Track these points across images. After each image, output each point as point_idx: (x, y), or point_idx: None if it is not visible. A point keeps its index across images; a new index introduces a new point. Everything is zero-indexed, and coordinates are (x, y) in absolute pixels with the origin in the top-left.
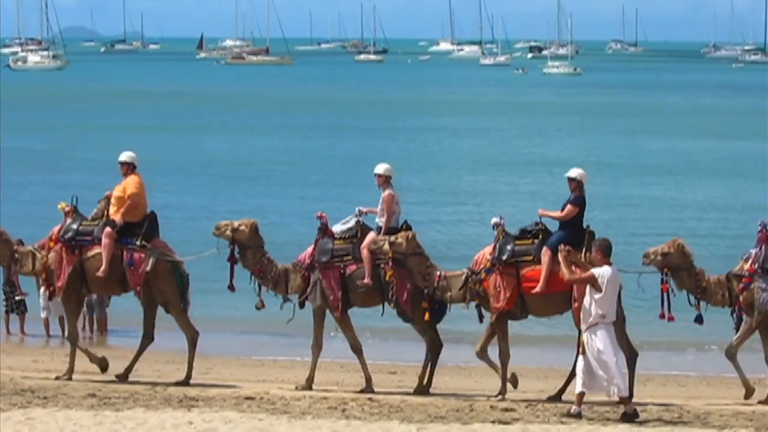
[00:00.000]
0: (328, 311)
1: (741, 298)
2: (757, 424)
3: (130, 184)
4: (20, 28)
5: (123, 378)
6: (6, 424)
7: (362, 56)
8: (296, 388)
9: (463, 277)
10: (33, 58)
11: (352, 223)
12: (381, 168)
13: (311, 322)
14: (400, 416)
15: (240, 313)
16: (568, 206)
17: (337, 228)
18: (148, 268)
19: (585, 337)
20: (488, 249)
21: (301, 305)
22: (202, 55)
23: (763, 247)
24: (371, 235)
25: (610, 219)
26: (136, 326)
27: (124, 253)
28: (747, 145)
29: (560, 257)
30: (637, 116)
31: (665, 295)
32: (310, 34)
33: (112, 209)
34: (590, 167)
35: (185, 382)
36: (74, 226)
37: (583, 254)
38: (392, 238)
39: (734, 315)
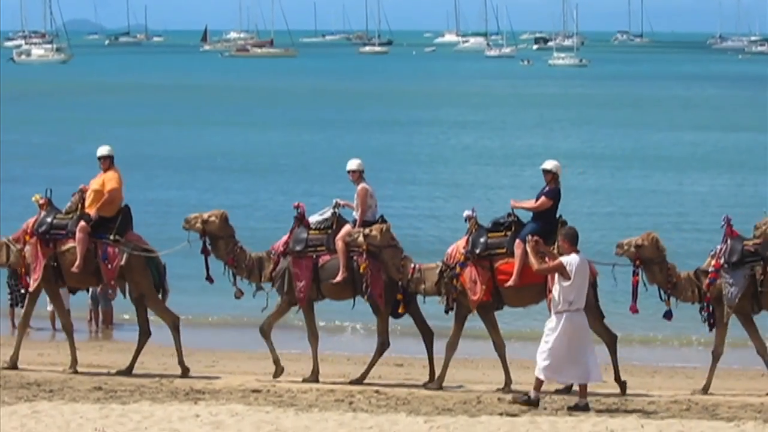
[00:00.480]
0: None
1: (708, 293)
2: (765, 416)
3: (110, 178)
4: (24, 21)
5: (127, 372)
6: (12, 417)
7: (367, 48)
8: (303, 380)
9: (438, 270)
10: (37, 51)
11: (328, 214)
12: (352, 164)
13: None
14: (408, 409)
15: (245, 305)
16: (542, 198)
17: (313, 218)
18: (122, 262)
19: (553, 324)
20: (461, 242)
21: (280, 291)
22: (206, 47)
23: (728, 242)
24: (347, 228)
25: (612, 211)
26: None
27: (98, 247)
28: (755, 137)
29: (528, 247)
30: (641, 108)
31: (635, 287)
32: (315, 26)
33: (87, 202)
34: (594, 159)
35: (184, 372)
36: (48, 220)
37: (555, 245)
38: (366, 230)
39: (703, 311)
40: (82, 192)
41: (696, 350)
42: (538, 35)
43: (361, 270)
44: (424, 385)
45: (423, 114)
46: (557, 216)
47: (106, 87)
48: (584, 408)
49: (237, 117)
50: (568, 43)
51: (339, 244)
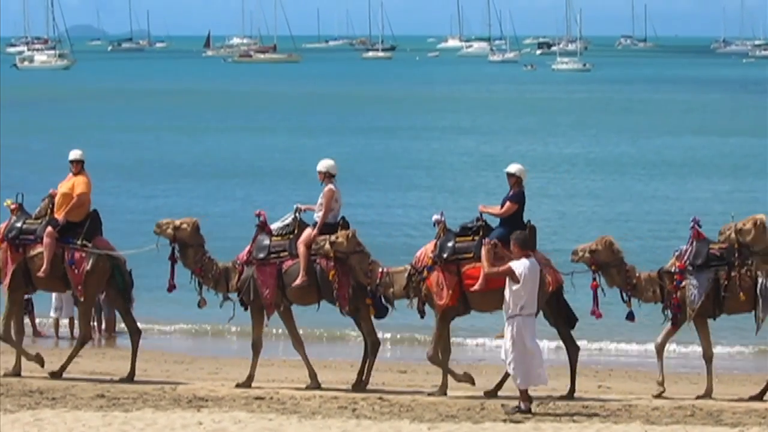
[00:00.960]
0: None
1: (676, 295)
2: None
3: (80, 183)
4: (26, 27)
5: (129, 379)
6: (15, 425)
7: (370, 53)
8: (307, 387)
9: (406, 274)
10: (40, 57)
11: (289, 219)
12: (322, 165)
13: (313, 323)
14: (411, 415)
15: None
16: (508, 203)
17: (275, 225)
18: (89, 267)
19: (506, 328)
20: (430, 246)
21: (242, 303)
22: (210, 53)
23: (694, 244)
24: (307, 231)
25: (615, 214)
26: (145, 328)
27: (66, 252)
28: (757, 141)
29: (483, 250)
30: (644, 113)
31: (595, 292)
32: (318, 32)
33: (56, 206)
34: (594, 164)
35: (58, 374)
36: (18, 225)
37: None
38: (333, 237)
39: (665, 312)
40: (52, 197)
41: (700, 356)
42: (541, 40)
43: (330, 277)
44: (429, 393)
45: (425, 119)
46: (524, 220)
47: (108, 93)
48: (527, 411)
49: (239, 123)
50: (571, 47)
51: (300, 248)
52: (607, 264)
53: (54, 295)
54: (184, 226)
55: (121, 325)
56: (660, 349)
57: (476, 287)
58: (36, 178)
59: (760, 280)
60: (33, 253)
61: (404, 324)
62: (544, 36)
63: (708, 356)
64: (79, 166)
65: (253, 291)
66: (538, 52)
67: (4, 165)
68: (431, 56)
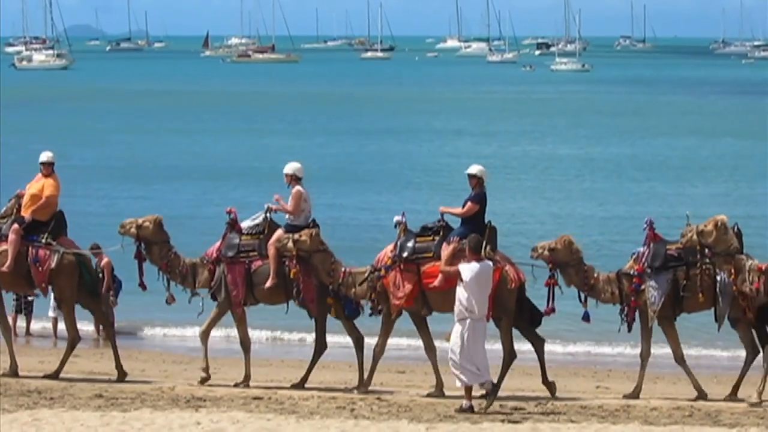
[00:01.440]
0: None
1: (635, 298)
2: None
3: (49, 185)
4: (25, 27)
5: (121, 377)
6: (13, 425)
7: (369, 54)
8: (235, 384)
9: (366, 273)
10: (38, 57)
11: (260, 219)
12: (288, 168)
13: (315, 322)
14: (409, 416)
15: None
16: (469, 203)
17: (245, 224)
18: (53, 266)
19: (458, 332)
20: (390, 246)
21: (213, 298)
22: (208, 53)
23: (651, 245)
24: (278, 232)
25: (607, 216)
26: (145, 327)
27: (30, 250)
28: (755, 144)
29: (447, 247)
30: (642, 114)
31: (551, 289)
32: (317, 32)
33: (24, 206)
34: (591, 165)
35: (54, 376)
36: None
37: (483, 250)
38: (296, 235)
39: (623, 314)
40: (19, 197)
41: (697, 357)
42: (540, 40)
43: (291, 275)
44: (429, 393)
45: (422, 120)
46: (485, 220)
47: (107, 93)
48: (469, 410)
49: (237, 123)
50: (570, 48)
51: (270, 250)
52: (566, 263)
53: (52, 295)
54: (147, 224)
55: (118, 325)
56: (646, 356)
57: (435, 284)
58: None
59: (719, 277)
60: None
61: (404, 325)
62: (543, 36)
63: (678, 357)
64: (49, 168)
65: (225, 289)
66: (537, 52)
67: (3, 166)
68: (430, 56)
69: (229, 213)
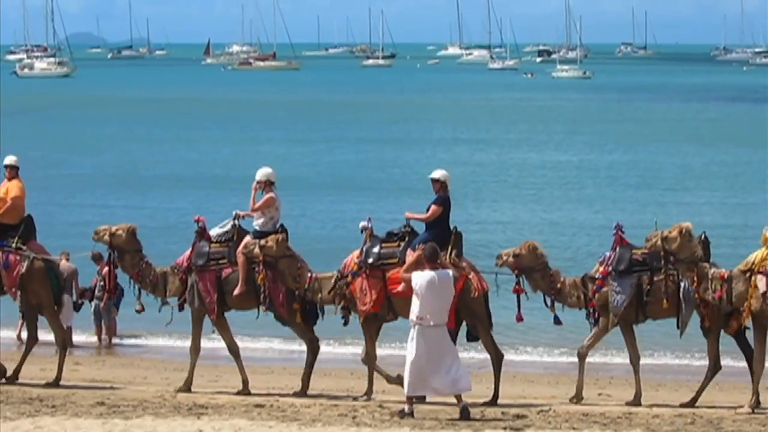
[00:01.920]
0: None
1: (594, 300)
2: None
3: (13, 187)
4: (26, 35)
5: (12, 380)
6: None
7: (370, 61)
8: (175, 389)
9: (333, 279)
10: (40, 65)
11: (228, 226)
12: (260, 174)
13: (324, 329)
14: (411, 423)
15: (248, 320)
16: (432, 207)
17: (214, 231)
18: (23, 270)
19: (410, 336)
20: (357, 252)
21: (181, 308)
22: (209, 60)
23: (617, 249)
24: (246, 239)
25: (603, 224)
26: (145, 334)
27: (0, 254)
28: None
29: (410, 254)
30: (642, 122)
31: (518, 296)
32: (318, 39)
33: None
34: (589, 172)
35: (55, 384)
36: None
37: (448, 254)
38: (263, 241)
39: (589, 317)
40: None
41: (700, 364)
42: (541, 47)
43: (259, 280)
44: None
45: (423, 128)
46: (450, 225)
47: (108, 100)
48: (466, 413)
49: (237, 130)
50: (571, 55)
51: (240, 257)
52: (531, 268)
53: None
54: (120, 232)
55: (121, 332)
56: (584, 356)
57: (399, 289)
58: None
59: (682, 283)
60: None
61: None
62: (544, 43)
63: (635, 361)
64: (13, 172)
65: (198, 297)
66: (538, 59)
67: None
68: (431, 64)
69: (198, 221)
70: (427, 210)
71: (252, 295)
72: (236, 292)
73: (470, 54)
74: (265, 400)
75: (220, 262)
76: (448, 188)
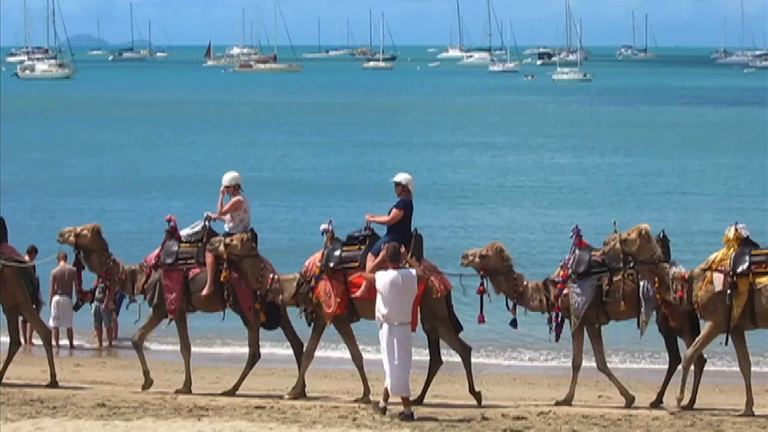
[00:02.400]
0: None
1: (558, 303)
2: None
3: None
4: (27, 37)
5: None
6: None
7: (371, 63)
8: (176, 391)
9: (296, 282)
10: (41, 67)
11: (199, 227)
12: (227, 179)
13: (324, 333)
14: (412, 425)
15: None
16: (394, 210)
17: (184, 232)
18: None
19: (379, 335)
20: (318, 255)
21: (150, 303)
22: (210, 63)
23: (576, 252)
24: (215, 238)
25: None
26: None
27: None
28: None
29: (371, 257)
30: (641, 126)
31: (481, 297)
32: (318, 42)
33: None
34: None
35: (52, 384)
36: None
37: (409, 257)
38: (227, 239)
39: (551, 321)
40: None
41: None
42: (542, 50)
43: (222, 278)
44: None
45: (423, 131)
46: (411, 228)
47: (109, 102)
48: (409, 417)
49: (238, 133)
50: (572, 57)
51: (208, 258)
52: (496, 270)
53: (52, 305)
54: (85, 232)
55: (121, 335)
56: (578, 366)
57: (357, 294)
58: (30, 187)
59: (641, 283)
60: None
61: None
62: (544, 46)
63: (576, 364)
64: None
65: (158, 295)
66: (539, 62)
67: (3, 175)
68: (432, 66)
69: (169, 221)
70: (389, 213)
71: (218, 296)
72: (204, 292)
73: (471, 56)
74: (265, 402)
75: (189, 261)
76: (410, 192)
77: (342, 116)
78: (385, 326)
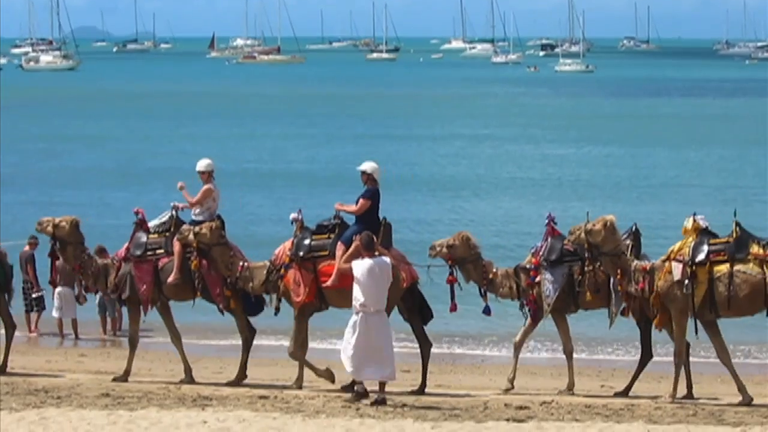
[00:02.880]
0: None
1: (533, 291)
2: None
3: None
4: (31, 29)
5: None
6: (20, 423)
7: (374, 55)
8: (180, 381)
9: (265, 270)
10: (45, 58)
11: (166, 218)
12: (201, 166)
13: (321, 324)
14: (414, 414)
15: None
16: (361, 200)
17: (152, 223)
18: None
19: (352, 322)
20: (287, 244)
21: (119, 298)
22: (214, 54)
23: (548, 240)
24: (183, 227)
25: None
26: (153, 328)
27: None
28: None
29: (340, 246)
30: (643, 118)
31: (452, 286)
32: (322, 33)
33: None
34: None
35: (2, 370)
36: None
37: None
38: (197, 228)
39: (522, 308)
40: None
41: (701, 356)
42: (544, 41)
43: (193, 267)
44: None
45: (426, 122)
46: (380, 217)
47: (113, 94)
48: (382, 402)
49: (241, 125)
50: (574, 49)
51: (176, 246)
52: (464, 259)
53: (55, 295)
54: (63, 224)
55: (125, 326)
56: (518, 346)
57: (328, 283)
58: (31, 179)
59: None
60: None
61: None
62: (547, 38)
63: (568, 351)
64: None
65: (130, 287)
66: (542, 53)
67: (4, 166)
68: (435, 58)
69: (137, 213)
70: (356, 202)
71: (189, 284)
72: (170, 280)
73: (473, 48)
74: (269, 392)
75: (158, 252)
76: (377, 181)
77: (345, 108)
78: (362, 314)
